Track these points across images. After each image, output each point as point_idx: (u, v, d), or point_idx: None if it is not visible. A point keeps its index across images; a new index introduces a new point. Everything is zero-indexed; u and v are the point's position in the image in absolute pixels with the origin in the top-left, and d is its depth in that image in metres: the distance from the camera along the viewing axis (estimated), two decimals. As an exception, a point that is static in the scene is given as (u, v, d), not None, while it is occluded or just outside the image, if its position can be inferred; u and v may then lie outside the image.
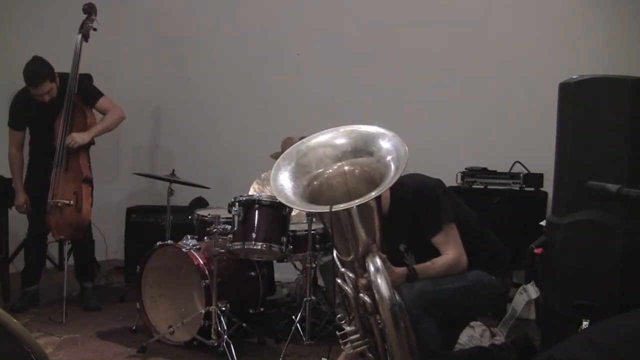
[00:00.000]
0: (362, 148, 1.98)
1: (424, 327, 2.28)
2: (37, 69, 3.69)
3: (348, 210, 1.80)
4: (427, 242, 2.42)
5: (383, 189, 1.82)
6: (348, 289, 1.99)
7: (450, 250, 2.38)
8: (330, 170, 1.98)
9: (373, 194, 1.79)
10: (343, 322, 2.12)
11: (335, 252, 2.06)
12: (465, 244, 2.42)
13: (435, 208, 2.42)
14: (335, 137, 2.03)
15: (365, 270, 1.88)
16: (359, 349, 2.01)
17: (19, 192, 3.91)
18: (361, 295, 1.92)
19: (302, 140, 2.07)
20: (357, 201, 1.78)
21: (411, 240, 2.55)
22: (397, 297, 1.91)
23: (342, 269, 2.03)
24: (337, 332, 2.12)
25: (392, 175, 1.82)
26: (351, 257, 1.92)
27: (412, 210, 2.45)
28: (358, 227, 1.85)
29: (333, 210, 1.76)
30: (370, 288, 1.87)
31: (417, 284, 2.32)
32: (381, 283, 1.81)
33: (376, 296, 1.83)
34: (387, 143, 1.95)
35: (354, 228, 1.85)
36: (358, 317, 2.00)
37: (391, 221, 2.43)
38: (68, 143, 3.73)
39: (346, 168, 1.98)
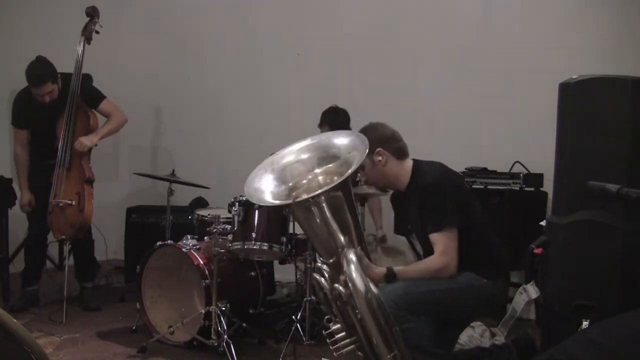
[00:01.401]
0: (326, 155, 2.04)
1: (410, 326, 2.27)
2: (41, 69, 3.69)
3: (319, 208, 1.84)
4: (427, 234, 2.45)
5: (338, 181, 1.86)
6: (323, 281, 2.00)
7: (441, 254, 2.39)
8: (305, 181, 2.03)
9: (327, 187, 1.84)
10: (331, 323, 2.12)
11: (319, 260, 2.09)
12: (462, 242, 2.42)
13: (442, 209, 2.42)
14: (300, 153, 2.09)
15: None
16: (348, 348, 2.01)
17: (24, 191, 3.91)
18: (336, 285, 1.94)
19: (273, 157, 2.14)
20: (316, 192, 1.82)
21: (416, 226, 2.59)
22: (375, 289, 1.91)
23: (318, 263, 2.07)
24: (323, 332, 2.12)
25: (350, 172, 1.87)
26: (333, 258, 1.94)
27: (420, 202, 2.48)
28: (332, 225, 1.88)
29: (295, 202, 1.85)
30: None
31: (401, 284, 2.35)
32: (354, 274, 1.84)
33: (350, 287, 1.84)
34: (343, 140, 2.04)
35: (328, 226, 1.88)
36: (339, 313, 2.01)
37: (406, 200, 2.58)
38: (77, 147, 3.73)
39: (320, 179, 2.02)
